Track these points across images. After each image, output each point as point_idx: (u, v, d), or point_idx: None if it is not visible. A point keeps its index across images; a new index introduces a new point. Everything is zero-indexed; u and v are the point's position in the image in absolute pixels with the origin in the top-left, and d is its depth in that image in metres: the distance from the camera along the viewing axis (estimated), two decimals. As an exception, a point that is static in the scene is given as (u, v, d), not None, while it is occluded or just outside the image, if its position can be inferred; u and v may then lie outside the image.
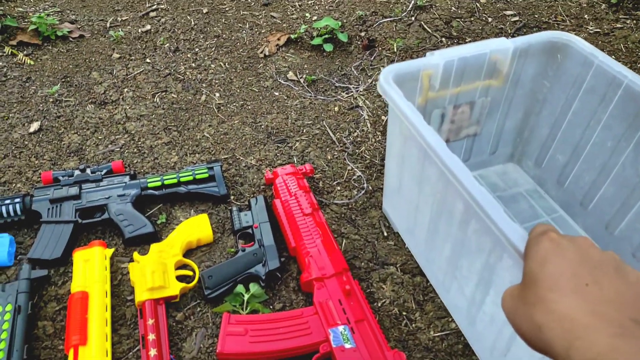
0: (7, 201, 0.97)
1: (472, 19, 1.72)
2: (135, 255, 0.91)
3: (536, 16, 1.73)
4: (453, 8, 1.77)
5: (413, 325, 0.86)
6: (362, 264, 0.96)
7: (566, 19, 1.71)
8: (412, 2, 1.78)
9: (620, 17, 1.73)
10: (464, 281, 0.78)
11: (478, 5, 1.79)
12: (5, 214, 0.96)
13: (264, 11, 1.77)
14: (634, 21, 1.70)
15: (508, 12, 1.75)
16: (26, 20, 1.63)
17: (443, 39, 1.62)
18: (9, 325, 0.78)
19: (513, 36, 1.64)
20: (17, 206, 0.97)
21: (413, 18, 1.70)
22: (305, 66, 1.51)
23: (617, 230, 0.90)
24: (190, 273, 0.92)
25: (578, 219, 1.00)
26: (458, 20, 1.70)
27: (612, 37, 1.62)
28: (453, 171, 0.64)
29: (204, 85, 1.42)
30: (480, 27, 1.67)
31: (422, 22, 1.68)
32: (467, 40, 1.61)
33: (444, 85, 0.89)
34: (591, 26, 1.67)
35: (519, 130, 1.05)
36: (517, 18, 1.72)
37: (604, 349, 0.30)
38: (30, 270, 0.87)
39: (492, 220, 0.58)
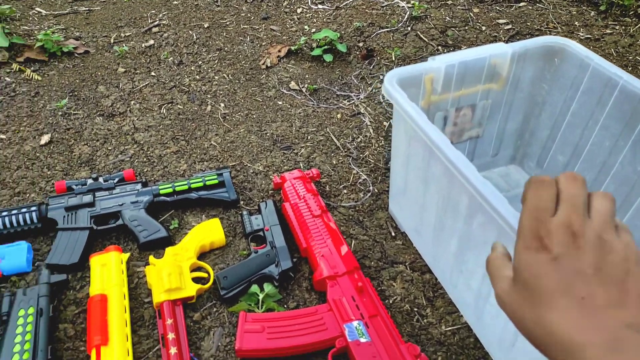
0: (24, 210, 0.99)
1: (466, 27, 1.77)
2: (151, 258, 0.93)
3: (528, 24, 1.79)
4: (447, 18, 1.82)
5: (424, 320, 0.89)
6: (372, 263, 0.99)
7: (557, 26, 1.77)
8: (408, 13, 1.83)
9: (609, 23, 1.79)
10: (470, 275, 0.81)
11: (471, 14, 1.85)
12: (22, 222, 0.98)
13: (263, 25, 1.82)
14: (623, 27, 1.76)
15: (501, 21, 1.81)
16: (32, 37, 1.67)
17: (439, 47, 1.67)
18: (32, 327, 0.80)
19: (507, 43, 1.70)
20: (34, 214, 0.99)
21: (409, 28, 1.76)
22: (307, 76, 1.55)
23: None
24: (205, 275, 0.94)
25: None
26: (453, 29, 1.76)
27: (602, 42, 1.68)
28: (457, 166, 0.68)
29: (208, 96, 1.45)
30: (474, 36, 1.72)
31: (418, 32, 1.73)
32: (462, 48, 1.66)
33: (446, 88, 0.93)
34: (582, 32, 1.73)
35: (519, 132, 1.09)
36: (510, 26, 1.78)
37: None
38: (50, 275, 0.89)
39: (497, 210, 0.61)
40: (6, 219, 0.98)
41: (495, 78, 0.97)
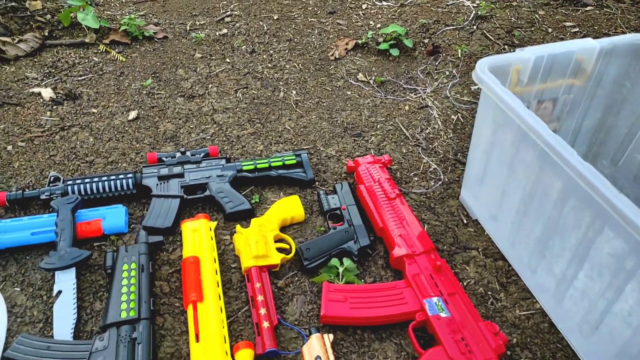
0: (121, 176, 1.07)
1: (532, 29, 1.78)
2: (239, 227, 1.00)
3: (595, 28, 1.78)
4: (513, 18, 1.83)
5: (499, 304, 0.92)
6: (445, 247, 1.02)
7: (626, 31, 1.76)
8: (473, 12, 1.85)
9: (681, 30, 1.76)
10: (554, 259, 0.83)
11: (537, 16, 1.85)
12: (119, 187, 1.06)
13: (330, 19, 1.87)
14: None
15: (568, 24, 1.81)
16: (115, 22, 1.77)
17: (505, 46, 1.68)
18: (135, 281, 0.87)
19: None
20: (130, 181, 1.07)
21: (475, 27, 1.78)
22: (373, 69, 1.59)
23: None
24: (287, 246, 1.00)
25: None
26: (519, 29, 1.77)
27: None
28: (557, 149, 0.71)
29: (280, 83, 1.51)
30: (541, 37, 1.73)
31: (484, 31, 1.75)
32: (529, 49, 1.67)
33: (532, 80, 0.95)
34: (652, 38, 1.71)
35: (596, 129, 1.10)
36: (577, 29, 1.77)
37: None
38: (147, 236, 0.96)
39: (600, 192, 0.64)
40: (105, 183, 1.06)
41: (580, 73, 0.99)
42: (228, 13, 1.88)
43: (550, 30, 1.77)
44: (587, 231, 0.73)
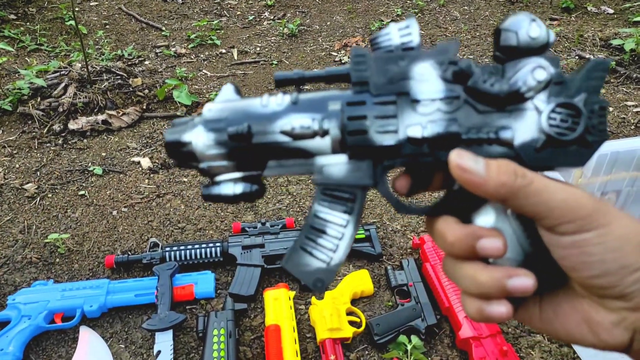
0: (210, 245, 1.21)
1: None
2: (314, 299, 1.09)
3: (660, 106, 1.80)
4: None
5: (564, 391, 0.94)
6: (510, 329, 1.06)
7: (693, 111, 1.76)
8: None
9: None
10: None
11: (598, 94, 1.89)
12: (208, 255, 1.19)
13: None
14: None
15: (629, 103, 1.84)
16: (201, 96, 1.99)
17: (567, 125, 1.73)
18: (225, 346, 0.97)
19: (636, 126, 1.72)
20: (218, 249, 1.20)
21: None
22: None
23: None
24: (357, 320, 1.07)
25: None
26: (580, 108, 1.82)
27: None
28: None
29: (349, 156, 1.64)
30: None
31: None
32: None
33: (595, 174, 1.01)
34: None
35: (661, 218, 1.13)
36: (639, 109, 1.80)
37: None
38: (234, 303, 1.07)
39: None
40: (197, 251, 1.19)
41: (643, 168, 1.03)
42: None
43: (611, 109, 1.81)
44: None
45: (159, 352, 0.99)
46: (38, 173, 1.55)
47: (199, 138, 0.35)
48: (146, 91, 1.93)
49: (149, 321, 1.03)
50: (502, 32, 0.32)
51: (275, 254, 1.21)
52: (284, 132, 0.34)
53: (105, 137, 1.73)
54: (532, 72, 0.30)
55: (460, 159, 0.31)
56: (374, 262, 1.24)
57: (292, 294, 1.11)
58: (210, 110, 0.36)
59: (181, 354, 1.02)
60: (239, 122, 0.35)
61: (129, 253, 1.24)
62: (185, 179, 1.54)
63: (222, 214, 1.40)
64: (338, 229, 0.35)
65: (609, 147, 0.99)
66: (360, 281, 1.14)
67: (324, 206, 0.35)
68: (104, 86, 1.85)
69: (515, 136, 0.31)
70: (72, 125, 1.72)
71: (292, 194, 1.47)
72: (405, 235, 1.32)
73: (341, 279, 1.16)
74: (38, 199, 1.44)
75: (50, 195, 1.47)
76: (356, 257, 1.25)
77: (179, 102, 1.82)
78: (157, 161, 1.61)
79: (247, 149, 0.35)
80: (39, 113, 1.75)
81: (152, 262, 1.17)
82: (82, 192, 1.47)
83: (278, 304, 1.07)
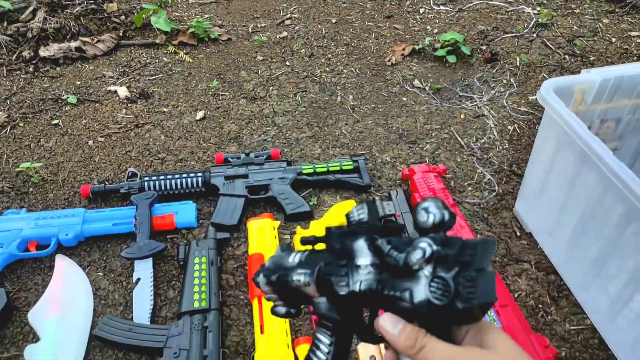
0: (192, 175, 1.15)
1: (595, 38, 1.74)
2: (299, 229, 1.06)
3: (664, 38, 1.72)
4: (575, 27, 1.80)
5: (549, 317, 0.94)
6: (497, 258, 1.05)
7: (697, 43, 1.69)
8: (534, 19, 1.83)
9: None
10: (610, 279, 0.84)
11: (601, 25, 1.81)
12: (189, 185, 1.15)
13: (387, 23, 1.90)
14: None
15: (633, 33, 1.76)
16: (182, 23, 1.87)
17: (566, 56, 1.66)
18: (206, 274, 0.95)
19: (639, 57, 1.65)
20: (199, 179, 1.15)
21: (535, 35, 1.76)
22: (429, 75, 1.62)
23: None
24: (343, 249, 1.05)
25: None
26: (581, 38, 1.73)
27: None
28: (621, 176, 0.72)
29: (338, 87, 1.56)
30: (604, 47, 1.69)
31: (544, 39, 1.73)
32: (590, 59, 1.64)
33: (596, 101, 0.96)
34: None
35: (659, 147, 1.09)
36: (643, 39, 1.72)
37: None
38: (216, 232, 1.04)
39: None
40: (178, 181, 1.14)
41: (646, 93, 0.98)
42: (288, 16, 1.94)
43: (614, 40, 1.73)
44: (647, 256, 0.74)
45: (139, 279, 0.97)
46: (8, 101, 1.47)
47: (260, 279, 0.53)
48: (122, 17, 1.80)
49: (128, 249, 0.99)
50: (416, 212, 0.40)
51: (259, 184, 1.17)
52: (294, 281, 0.48)
53: (80, 65, 1.63)
54: (415, 250, 0.38)
55: (384, 322, 0.40)
56: (362, 193, 1.20)
57: (277, 223, 1.08)
58: (268, 261, 0.54)
59: (162, 281, 0.99)
60: (275, 273, 0.50)
61: (106, 183, 1.19)
62: (166, 109, 1.46)
63: (204, 144, 1.34)
64: (326, 347, 0.47)
65: (612, 72, 0.93)
66: (345, 211, 1.11)
67: (318, 330, 0.47)
68: (77, 11, 1.72)
69: (414, 296, 0.38)
70: (43, 52, 1.61)
71: (278, 125, 1.41)
72: (395, 166, 1.27)
73: (328, 209, 1.13)
74: (9, 127, 1.37)
75: (21, 124, 1.39)
76: (344, 188, 1.21)
77: (158, 29, 1.71)
78: (135, 90, 1.53)
79: (281, 288, 0.51)
80: (6, 39, 1.63)
81: (130, 191, 1.13)
82: (55, 121, 1.39)
83: (262, 233, 1.04)
